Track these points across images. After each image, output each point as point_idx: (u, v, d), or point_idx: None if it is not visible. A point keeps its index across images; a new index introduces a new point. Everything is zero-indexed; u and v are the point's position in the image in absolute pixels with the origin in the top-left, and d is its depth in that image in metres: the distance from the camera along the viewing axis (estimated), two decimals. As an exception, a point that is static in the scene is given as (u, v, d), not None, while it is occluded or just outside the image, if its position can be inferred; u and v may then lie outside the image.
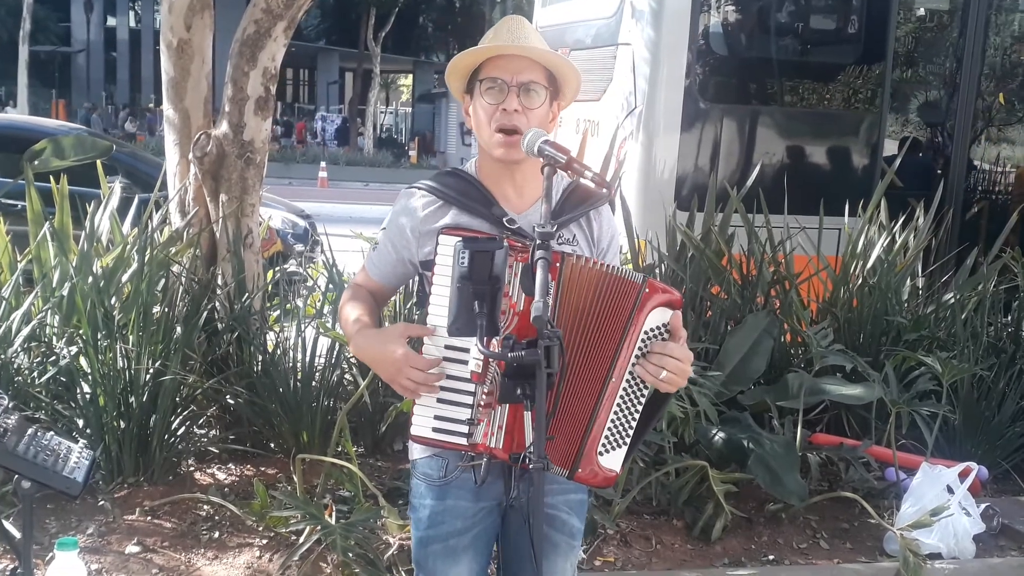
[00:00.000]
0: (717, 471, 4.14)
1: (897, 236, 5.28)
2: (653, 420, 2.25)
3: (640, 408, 2.16)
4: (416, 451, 2.32)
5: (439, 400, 2.13)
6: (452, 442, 2.14)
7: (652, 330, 2.11)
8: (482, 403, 2.11)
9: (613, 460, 2.15)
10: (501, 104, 2.20)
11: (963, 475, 4.29)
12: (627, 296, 2.09)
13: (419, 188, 2.32)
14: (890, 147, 6.68)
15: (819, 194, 5.42)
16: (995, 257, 5.34)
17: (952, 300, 5.18)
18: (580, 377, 2.11)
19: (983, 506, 4.34)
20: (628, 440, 2.16)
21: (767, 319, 4.73)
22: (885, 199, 5.37)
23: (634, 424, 2.16)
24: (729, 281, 4.91)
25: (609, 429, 2.13)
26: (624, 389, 2.12)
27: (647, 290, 2.09)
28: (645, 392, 2.16)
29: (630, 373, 2.12)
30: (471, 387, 2.10)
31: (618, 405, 2.13)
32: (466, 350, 2.05)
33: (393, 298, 4.69)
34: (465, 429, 2.11)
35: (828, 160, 6.69)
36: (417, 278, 2.39)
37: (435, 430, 2.14)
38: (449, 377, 2.12)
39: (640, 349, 2.11)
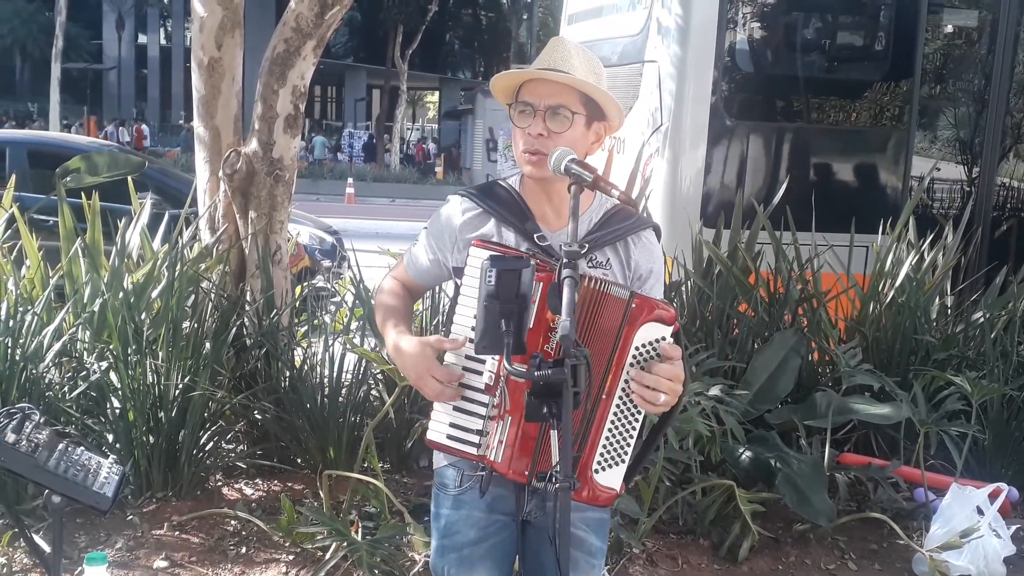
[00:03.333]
0: (744, 490, 4.11)
1: (926, 254, 5.25)
2: (658, 434, 2.29)
3: (637, 423, 2.16)
4: (437, 460, 2.37)
5: (455, 409, 2.18)
6: (463, 450, 2.18)
7: (643, 346, 2.11)
8: (491, 415, 2.14)
9: (610, 477, 2.16)
10: (527, 128, 2.23)
11: (993, 496, 4.24)
12: (615, 313, 2.11)
13: (464, 195, 2.37)
14: (918, 164, 6.63)
15: (846, 212, 5.40)
16: (1024, 276, 5.30)
17: (981, 319, 5.13)
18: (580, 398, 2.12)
19: (1013, 528, 4.28)
20: (627, 456, 2.16)
21: (795, 337, 4.71)
22: (913, 217, 5.34)
23: (632, 440, 2.16)
24: (756, 299, 4.89)
25: (604, 447, 2.14)
26: (617, 406, 2.13)
27: (634, 305, 2.10)
28: (640, 408, 2.15)
29: (622, 390, 2.12)
30: (486, 398, 2.14)
31: (611, 423, 2.14)
32: (483, 361, 2.09)
33: (420, 314, 4.71)
34: (476, 439, 2.15)
35: (855, 177, 6.66)
36: (454, 286, 2.39)
37: (449, 437, 2.19)
38: (467, 387, 2.16)
39: (631, 365, 2.11)
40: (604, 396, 2.12)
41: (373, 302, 2.53)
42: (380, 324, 2.41)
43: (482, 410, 2.15)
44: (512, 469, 2.14)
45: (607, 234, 2.29)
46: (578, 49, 2.30)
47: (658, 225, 2.42)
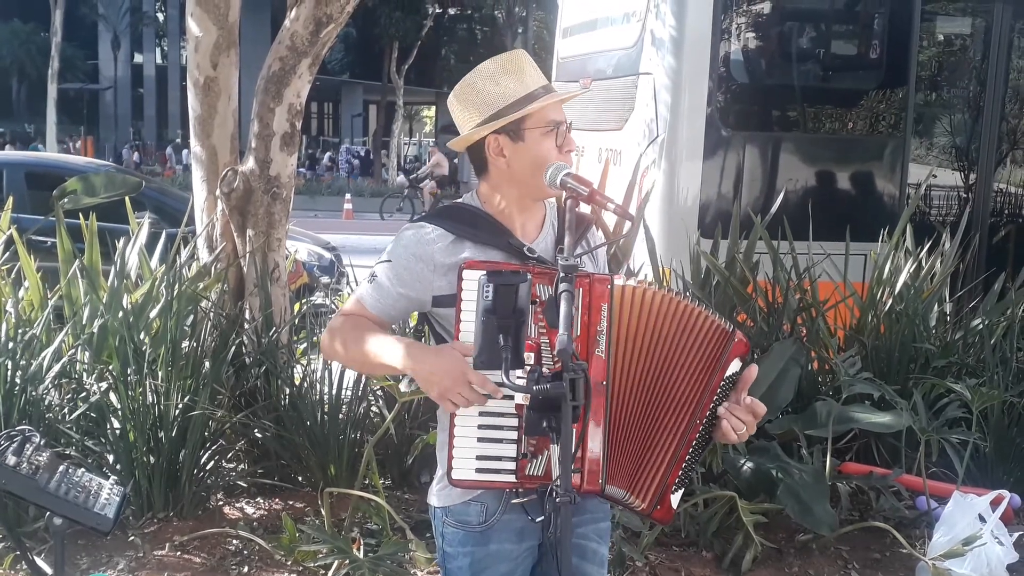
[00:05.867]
0: (746, 501, 4.11)
1: (924, 262, 5.25)
2: (699, 457, 2.29)
3: (704, 449, 2.23)
4: (448, 497, 2.24)
5: (480, 440, 2.09)
6: (499, 480, 2.10)
7: (727, 379, 2.17)
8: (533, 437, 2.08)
9: (677, 498, 2.21)
10: (564, 145, 2.22)
11: (995, 503, 4.23)
12: (723, 342, 2.16)
13: (429, 222, 2.25)
14: (914, 171, 6.64)
15: (844, 220, 5.40)
16: (1023, 282, 5.29)
17: (980, 326, 5.13)
18: (668, 413, 2.15)
19: (1016, 534, 4.28)
20: (689, 478, 2.24)
21: (794, 347, 4.70)
22: (911, 224, 5.35)
23: (696, 463, 2.23)
24: (755, 309, 4.89)
25: (683, 468, 2.18)
26: (700, 432, 2.18)
27: (736, 339, 2.16)
28: (708, 435, 2.21)
29: (707, 417, 2.17)
30: (514, 421, 2.08)
31: (693, 448, 2.18)
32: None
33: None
34: (512, 465, 2.09)
35: (852, 186, 6.68)
36: (419, 317, 2.35)
37: (479, 471, 2.10)
38: (490, 415, 2.09)
39: (717, 395, 2.16)
40: (698, 421, 2.15)
41: (329, 341, 2.27)
42: (370, 345, 2.18)
43: (512, 434, 2.08)
44: (587, 483, 2.10)
45: (578, 234, 2.26)
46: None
47: (595, 214, 2.41)
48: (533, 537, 2.25)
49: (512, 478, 2.09)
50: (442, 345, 2.16)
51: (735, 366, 2.18)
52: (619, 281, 2.13)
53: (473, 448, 2.10)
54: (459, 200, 2.34)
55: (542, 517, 2.12)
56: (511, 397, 2.02)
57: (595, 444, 2.09)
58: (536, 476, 2.09)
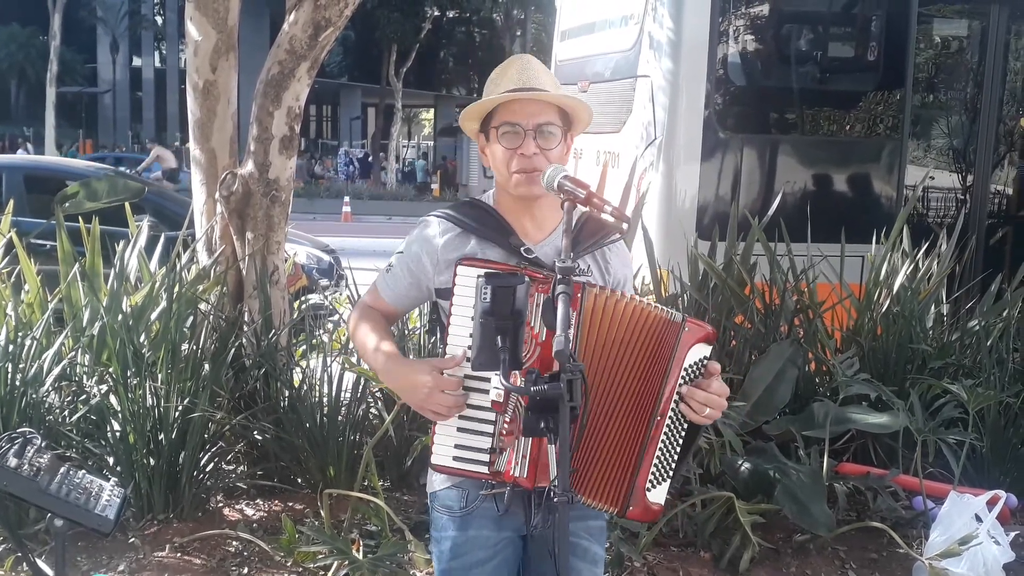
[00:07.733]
0: (744, 502, 4.12)
1: (920, 263, 5.27)
2: (690, 450, 2.29)
3: (681, 439, 2.22)
4: (436, 483, 2.34)
5: (459, 429, 2.17)
6: (473, 470, 2.17)
7: (692, 366, 2.17)
8: (504, 432, 2.13)
9: (659, 494, 2.21)
10: (519, 149, 2.24)
11: (991, 503, 4.24)
12: (668, 334, 2.15)
13: (439, 217, 2.36)
14: (911, 173, 6.66)
15: (841, 222, 5.42)
16: (1020, 283, 5.31)
17: (977, 327, 5.15)
18: (623, 414, 2.16)
19: (1012, 534, 4.29)
20: (671, 471, 2.22)
21: (791, 348, 4.72)
22: (908, 226, 5.36)
23: (676, 455, 2.22)
24: (752, 310, 4.90)
25: (655, 465, 2.18)
26: (668, 425, 2.17)
27: (687, 329, 2.15)
28: (685, 425, 2.21)
29: (673, 409, 2.16)
30: (491, 416, 2.14)
31: (663, 441, 2.17)
32: (486, 379, 2.08)
33: (418, 333, 4.72)
34: (486, 458, 2.14)
35: (849, 188, 6.69)
36: (431, 305, 2.44)
37: (455, 459, 2.18)
38: (469, 406, 2.15)
39: (681, 385, 2.16)
40: (659, 417, 2.15)
41: (349, 327, 2.49)
42: (365, 348, 2.38)
43: (489, 428, 2.14)
44: (539, 482, 2.14)
45: (587, 243, 2.32)
46: (540, 64, 2.35)
47: (623, 229, 2.44)
48: (511, 527, 2.30)
49: (485, 469, 2.16)
50: (417, 360, 2.23)
51: (698, 352, 2.17)
52: (590, 288, 2.15)
53: (452, 437, 2.18)
54: (477, 197, 2.43)
55: (504, 512, 2.20)
56: (486, 392, 2.08)
57: (553, 447, 2.05)
58: (499, 472, 2.14)
